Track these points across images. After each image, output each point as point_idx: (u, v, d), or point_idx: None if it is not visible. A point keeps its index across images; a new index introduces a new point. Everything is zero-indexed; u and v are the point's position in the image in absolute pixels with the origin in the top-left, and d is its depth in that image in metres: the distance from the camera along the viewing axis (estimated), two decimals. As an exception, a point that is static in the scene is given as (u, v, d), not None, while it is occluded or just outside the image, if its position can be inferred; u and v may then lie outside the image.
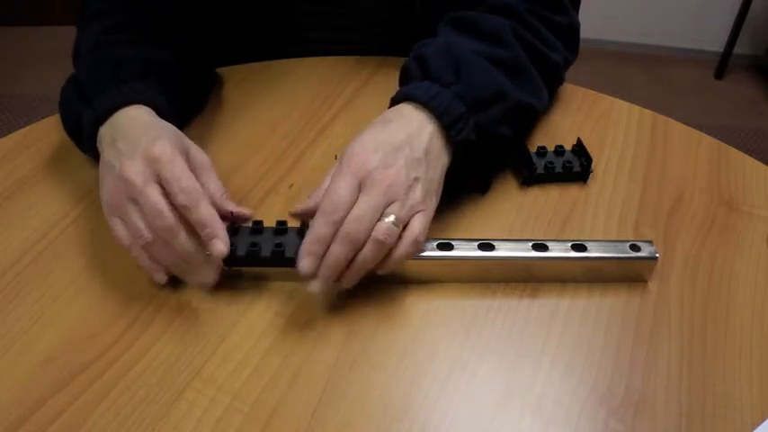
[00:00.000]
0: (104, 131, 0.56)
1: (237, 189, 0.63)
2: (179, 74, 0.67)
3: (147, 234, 0.49)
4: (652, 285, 0.56)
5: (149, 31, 0.68)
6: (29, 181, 0.63)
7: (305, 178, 0.65)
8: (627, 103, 0.78)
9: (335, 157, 0.62)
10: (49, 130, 0.69)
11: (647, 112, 0.77)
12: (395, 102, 0.58)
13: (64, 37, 2.64)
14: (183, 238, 0.49)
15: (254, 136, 0.70)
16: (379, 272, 0.51)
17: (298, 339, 0.50)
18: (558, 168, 0.65)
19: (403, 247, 0.50)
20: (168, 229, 0.48)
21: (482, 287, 0.55)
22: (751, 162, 0.70)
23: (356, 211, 0.49)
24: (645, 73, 2.48)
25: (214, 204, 0.51)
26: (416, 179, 0.52)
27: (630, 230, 0.61)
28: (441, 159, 0.55)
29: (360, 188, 0.50)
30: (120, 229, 0.51)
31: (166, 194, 0.49)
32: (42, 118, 0.71)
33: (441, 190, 0.55)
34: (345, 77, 0.78)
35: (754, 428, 0.46)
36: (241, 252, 0.52)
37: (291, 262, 0.52)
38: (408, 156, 0.52)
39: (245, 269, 0.53)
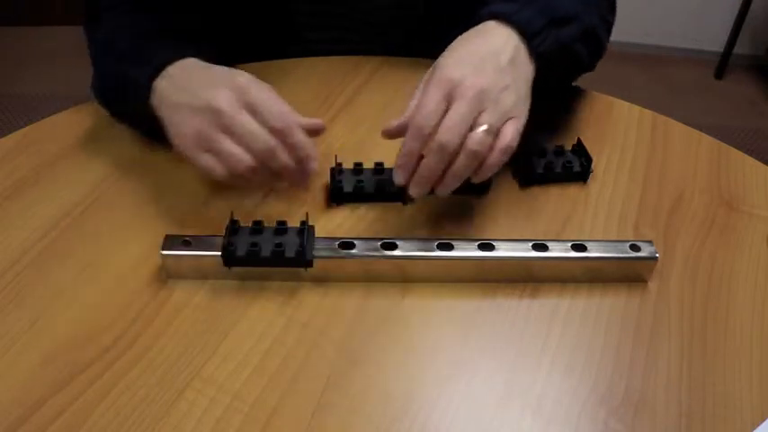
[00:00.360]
0: (164, 82, 0.56)
1: (237, 189, 0.63)
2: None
3: (246, 159, 0.50)
4: (652, 285, 0.56)
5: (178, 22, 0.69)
6: (29, 181, 0.63)
7: (305, 178, 0.64)
8: (627, 103, 0.78)
9: (335, 158, 0.62)
10: (49, 130, 0.69)
11: (647, 112, 0.77)
12: (476, 21, 0.59)
13: (64, 37, 2.66)
14: (283, 157, 0.51)
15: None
16: (474, 180, 0.52)
17: (298, 339, 0.50)
18: (558, 168, 0.65)
19: (495, 157, 0.51)
20: (270, 150, 0.50)
21: (482, 287, 0.55)
22: (751, 162, 0.70)
23: (447, 121, 0.49)
24: (645, 73, 2.48)
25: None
26: (506, 86, 0.52)
27: (630, 230, 0.61)
28: (527, 68, 0.56)
29: (449, 100, 0.50)
30: (210, 162, 0.51)
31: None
32: (42, 118, 0.71)
33: (530, 98, 0.56)
34: (345, 77, 0.78)
35: (754, 428, 0.46)
36: (241, 252, 0.52)
37: (291, 262, 0.52)
38: (496, 65, 0.53)
39: (245, 269, 0.53)
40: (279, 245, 0.52)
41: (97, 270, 0.54)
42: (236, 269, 0.53)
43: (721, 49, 2.49)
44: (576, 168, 0.65)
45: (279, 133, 0.51)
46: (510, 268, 0.55)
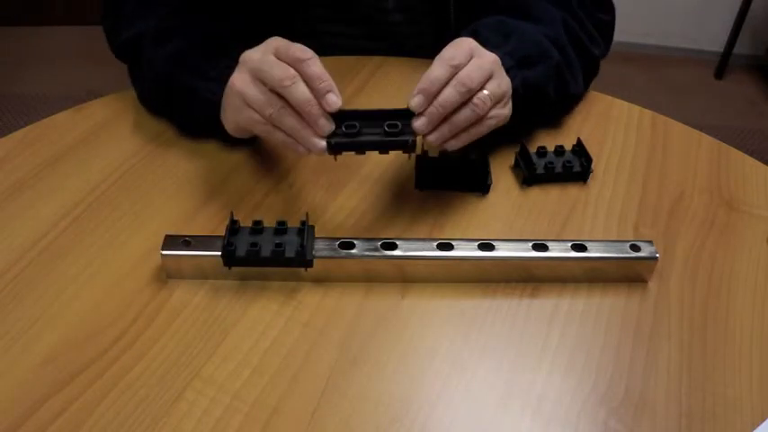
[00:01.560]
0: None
1: (237, 189, 0.63)
2: None
3: (274, 102, 0.53)
4: (652, 285, 0.56)
5: (205, 16, 0.71)
6: (29, 181, 0.63)
7: (305, 178, 0.65)
8: (627, 103, 0.78)
9: (335, 159, 0.62)
10: (49, 130, 0.69)
11: (647, 112, 0.77)
12: None
13: (64, 37, 2.65)
14: (302, 86, 0.52)
15: (255, 136, 0.69)
16: (465, 135, 0.56)
17: (298, 339, 0.50)
18: (558, 168, 0.65)
19: (491, 121, 0.56)
20: (290, 76, 0.52)
21: (482, 287, 0.55)
22: (751, 162, 0.70)
23: (473, 65, 0.54)
24: (645, 73, 2.48)
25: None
26: (504, 77, 0.58)
27: (630, 230, 0.61)
28: None
29: (470, 56, 0.55)
30: (253, 117, 0.55)
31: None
32: (42, 118, 0.71)
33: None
34: (346, 77, 0.78)
35: (754, 428, 0.46)
36: (241, 252, 0.52)
37: (291, 262, 0.52)
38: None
39: (245, 269, 0.53)
40: (279, 245, 0.52)
41: (97, 270, 0.54)
42: (236, 269, 0.53)
43: (721, 49, 2.48)
44: (576, 168, 0.65)
45: (298, 64, 0.52)
46: (510, 268, 0.55)
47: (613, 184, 0.66)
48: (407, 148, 0.53)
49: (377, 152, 0.54)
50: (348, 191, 0.63)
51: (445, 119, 0.54)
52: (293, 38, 0.61)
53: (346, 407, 0.46)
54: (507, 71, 0.59)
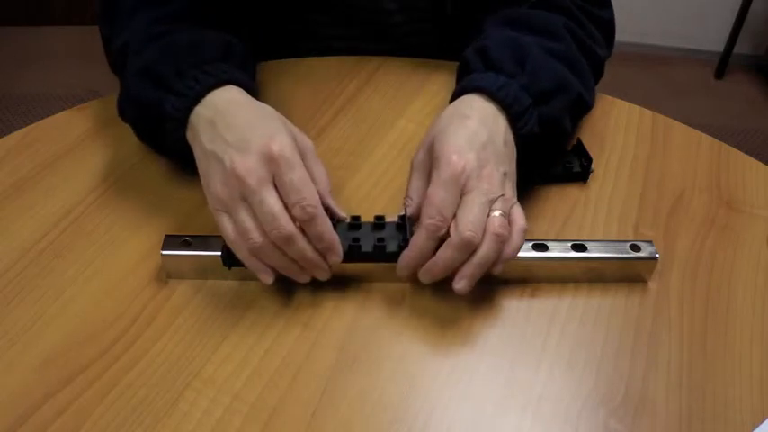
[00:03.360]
0: (198, 115, 0.53)
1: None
2: (251, 58, 0.65)
3: (257, 237, 0.47)
4: (652, 285, 0.56)
5: (204, 19, 0.65)
6: (29, 181, 0.63)
7: (305, 178, 0.64)
8: (627, 103, 0.78)
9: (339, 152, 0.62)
10: (48, 130, 0.69)
11: (647, 112, 0.77)
12: (460, 92, 0.58)
13: (64, 37, 2.65)
14: (300, 243, 0.47)
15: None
16: (494, 271, 0.50)
17: (298, 339, 0.50)
18: (558, 168, 0.65)
19: (516, 239, 0.50)
20: (285, 237, 0.47)
21: (482, 287, 0.55)
22: (751, 162, 0.70)
23: (469, 215, 0.48)
24: (645, 73, 2.48)
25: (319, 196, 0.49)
26: (505, 174, 0.52)
27: (630, 230, 0.61)
28: (514, 150, 0.55)
29: (461, 192, 0.49)
30: (227, 226, 0.49)
31: (281, 197, 0.47)
32: (42, 118, 0.71)
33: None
34: (346, 77, 0.78)
35: (754, 428, 0.46)
36: (241, 252, 0.52)
37: (291, 262, 0.52)
38: (494, 151, 0.52)
39: (245, 269, 0.53)
40: (279, 245, 0.52)
41: (97, 270, 0.54)
42: (236, 269, 0.53)
43: (721, 49, 2.48)
44: (576, 168, 0.65)
45: (301, 221, 0.47)
46: (510, 268, 0.54)
47: (613, 184, 0.66)
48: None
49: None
50: (348, 191, 0.63)
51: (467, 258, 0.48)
52: (292, 40, 0.60)
53: (346, 407, 0.46)
54: (523, 113, 0.55)
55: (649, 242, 0.56)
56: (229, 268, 0.53)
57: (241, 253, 0.49)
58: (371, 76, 0.79)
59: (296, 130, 0.53)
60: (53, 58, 2.39)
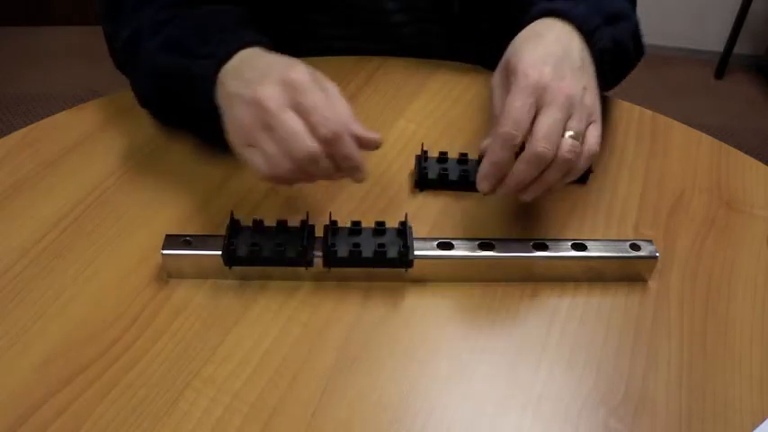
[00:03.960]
0: (226, 72, 0.53)
1: (237, 189, 0.63)
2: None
3: (284, 163, 0.47)
4: (652, 285, 0.56)
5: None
6: (29, 181, 0.63)
7: (305, 178, 0.64)
8: (627, 103, 0.78)
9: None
10: (49, 130, 0.69)
11: (647, 112, 0.77)
12: (530, 19, 0.58)
13: (64, 37, 2.65)
14: (324, 163, 0.47)
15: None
16: (556, 186, 0.51)
17: (298, 339, 0.50)
18: None
19: (582, 163, 0.50)
20: (310, 157, 0.46)
21: (482, 287, 0.55)
22: (751, 162, 0.70)
23: (544, 129, 0.48)
24: (645, 73, 2.48)
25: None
26: (585, 87, 0.52)
27: (630, 230, 0.61)
28: (592, 67, 0.56)
29: (537, 106, 0.49)
30: (256, 159, 0.48)
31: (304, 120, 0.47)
32: (42, 118, 0.71)
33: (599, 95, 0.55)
34: (345, 77, 0.78)
35: (755, 428, 0.46)
36: (241, 252, 0.52)
37: (292, 261, 0.52)
38: (572, 66, 0.52)
39: (245, 269, 0.53)
40: (279, 244, 0.52)
41: (97, 270, 0.54)
42: (236, 269, 0.53)
43: (721, 49, 2.48)
44: None
45: (325, 141, 0.47)
46: (510, 268, 0.55)
47: (613, 184, 0.66)
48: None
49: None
50: (348, 191, 0.63)
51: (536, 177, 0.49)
52: (292, 40, 0.61)
53: (346, 407, 0.46)
54: (595, 30, 0.56)
55: (649, 241, 0.56)
56: (230, 268, 0.53)
57: (272, 180, 0.49)
58: (371, 76, 0.79)
59: (320, 74, 0.51)
60: (53, 58, 2.39)
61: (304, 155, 0.47)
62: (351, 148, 0.48)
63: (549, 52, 0.52)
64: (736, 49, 2.45)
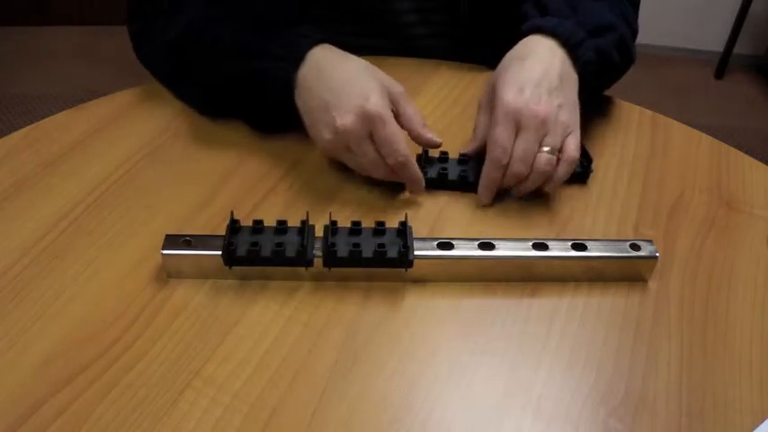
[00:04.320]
0: (304, 74, 0.61)
1: (237, 189, 0.63)
2: None
3: (364, 173, 0.61)
4: (652, 285, 0.56)
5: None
6: (29, 181, 0.63)
7: (305, 178, 0.65)
8: (627, 103, 0.78)
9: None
10: (49, 130, 0.69)
11: (647, 112, 0.77)
12: (522, 34, 0.65)
13: (64, 37, 2.65)
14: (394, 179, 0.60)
15: (255, 135, 0.70)
16: (547, 189, 0.61)
17: (298, 339, 0.50)
18: None
19: (562, 169, 0.59)
20: (384, 176, 0.60)
21: (482, 287, 0.55)
22: (751, 162, 0.70)
23: (519, 152, 0.58)
24: (645, 73, 2.48)
25: (413, 131, 0.61)
26: (560, 105, 0.59)
27: (630, 230, 0.61)
28: (574, 77, 0.62)
29: (517, 128, 0.58)
30: (348, 159, 0.61)
31: (377, 148, 0.58)
32: (42, 118, 0.71)
33: (578, 105, 0.62)
34: (345, 77, 0.78)
35: (755, 428, 0.46)
36: (241, 252, 0.52)
37: (292, 261, 0.52)
38: (548, 86, 0.59)
39: (245, 269, 0.53)
40: (279, 244, 0.52)
41: (97, 270, 0.54)
42: (236, 269, 0.53)
43: (721, 49, 2.49)
44: (577, 168, 0.65)
45: (393, 168, 0.58)
46: (510, 268, 0.55)
47: (613, 184, 0.66)
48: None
49: None
50: (348, 191, 0.63)
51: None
52: None
53: (346, 407, 0.46)
54: (580, 44, 0.62)
55: (649, 241, 0.56)
56: (230, 268, 0.53)
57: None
58: (371, 75, 0.79)
59: (387, 79, 0.61)
60: (53, 58, 2.39)
61: (378, 175, 0.60)
62: (414, 170, 0.59)
63: (528, 77, 0.59)
64: (736, 49, 2.45)
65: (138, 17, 0.72)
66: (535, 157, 0.58)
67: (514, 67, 0.61)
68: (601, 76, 0.66)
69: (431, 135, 0.61)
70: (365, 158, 0.58)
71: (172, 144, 0.68)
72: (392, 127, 0.57)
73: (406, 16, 0.81)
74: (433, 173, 0.63)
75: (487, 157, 0.59)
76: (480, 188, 0.61)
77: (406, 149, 0.58)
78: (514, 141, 0.58)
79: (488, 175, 0.60)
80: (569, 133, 0.59)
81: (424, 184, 0.61)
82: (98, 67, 2.35)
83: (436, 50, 0.83)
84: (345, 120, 0.56)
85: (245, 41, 0.64)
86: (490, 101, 0.62)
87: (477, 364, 0.49)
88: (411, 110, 0.61)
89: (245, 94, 0.65)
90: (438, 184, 0.63)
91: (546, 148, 0.58)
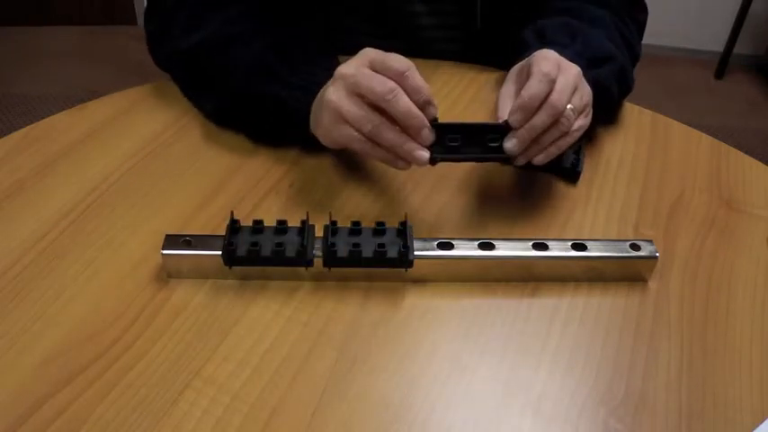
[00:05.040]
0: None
1: (238, 189, 0.63)
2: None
3: (373, 118, 0.53)
4: (652, 285, 0.56)
5: (269, 21, 0.70)
6: (29, 181, 0.63)
7: (305, 178, 0.65)
8: (627, 103, 0.78)
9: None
10: (49, 130, 0.69)
11: (647, 112, 0.77)
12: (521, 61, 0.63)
13: (64, 37, 2.65)
14: (404, 98, 0.52)
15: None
16: (541, 157, 0.56)
17: (298, 339, 0.50)
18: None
19: (570, 137, 0.57)
20: (392, 88, 0.52)
21: (482, 287, 0.55)
22: (751, 162, 0.70)
23: (562, 83, 0.55)
24: (645, 73, 2.48)
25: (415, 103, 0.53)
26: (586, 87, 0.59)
27: (630, 230, 0.61)
28: None
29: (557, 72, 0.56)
30: (351, 134, 0.54)
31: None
32: (42, 118, 0.71)
33: None
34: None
35: (755, 428, 0.46)
36: (241, 252, 0.52)
37: (292, 261, 0.52)
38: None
39: (245, 269, 0.53)
40: (279, 244, 0.52)
41: (97, 270, 0.54)
42: (236, 269, 0.53)
43: (721, 49, 2.49)
44: (566, 164, 0.65)
45: (399, 78, 0.52)
46: (510, 267, 0.55)
47: (613, 184, 0.66)
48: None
49: None
50: (348, 190, 0.63)
51: (534, 138, 0.55)
52: (326, 37, 0.63)
53: (346, 407, 0.46)
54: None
55: (649, 241, 0.56)
56: (230, 268, 0.53)
57: (367, 149, 0.55)
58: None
59: (390, 54, 0.56)
60: (53, 58, 2.39)
61: (386, 89, 0.52)
62: (420, 81, 0.53)
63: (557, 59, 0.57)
64: (736, 49, 2.45)
65: (156, 17, 0.71)
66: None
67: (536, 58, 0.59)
68: (597, 108, 0.63)
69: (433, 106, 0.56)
70: (367, 78, 0.52)
71: (172, 144, 0.68)
72: (370, 74, 0.53)
73: (422, 19, 0.81)
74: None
75: (534, 72, 0.55)
76: (516, 105, 0.54)
77: (397, 88, 0.52)
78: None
79: (532, 87, 0.54)
80: (584, 113, 0.58)
81: (435, 106, 0.54)
82: (98, 67, 2.35)
83: (449, 54, 0.83)
84: (347, 65, 0.54)
85: (267, 64, 0.63)
86: (510, 93, 0.60)
87: (477, 364, 0.49)
88: (415, 83, 0.54)
89: (259, 115, 0.65)
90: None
91: (570, 105, 0.56)
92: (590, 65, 0.62)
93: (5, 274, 0.54)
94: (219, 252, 0.52)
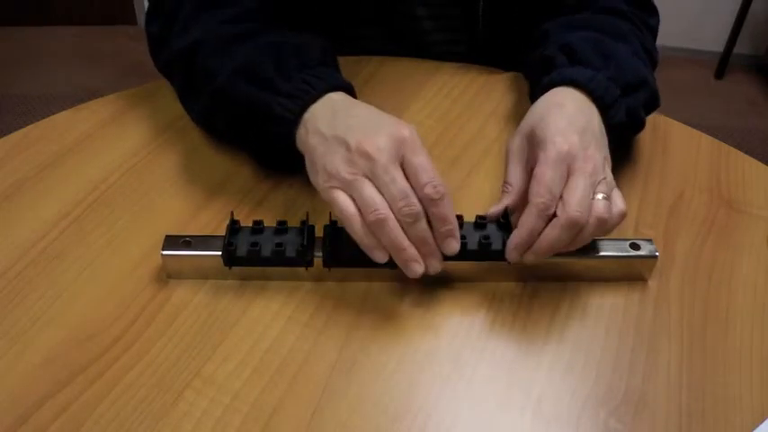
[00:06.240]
0: (313, 112, 0.54)
1: (237, 189, 0.63)
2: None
3: (383, 209, 0.47)
4: (652, 284, 0.56)
5: (277, 19, 0.66)
6: (29, 181, 0.63)
7: (305, 178, 0.64)
8: (627, 103, 0.78)
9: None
10: (49, 130, 0.69)
11: (647, 112, 0.76)
12: (548, 86, 0.59)
13: (64, 37, 2.65)
14: (423, 224, 0.48)
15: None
16: (577, 244, 0.51)
17: (298, 339, 0.50)
18: None
19: (614, 221, 0.51)
20: (414, 214, 0.47)
21: (482, 287, 0.55)
22: (751, 162, 0.70)
23: (577, 195, 0.49)
24: (645, 73, 2.48)
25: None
26: (605, 158, 0.54)
27: (630, 230, 0.61)
28: (605, 136, 0.56)
29: (567, 174, 0.50)
30: (343, 201, 0.48)
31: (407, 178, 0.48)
32: (42, 118, 0.71)
33: None
34: (346, 77, 0.78)
35: (755, 428, 0.46)
36: (241, 252, 0.52)
37: (292, 261, 0.52)
38: (593, 136, 0.54)
39: (245, 269, 0.53)
40: (279, 244, 0.52)
41: (97, 270, 0.54)
42: (236, 269, 0.53)
43: (721, 49, 2.49)
44: None
45: (428, 201, 0.48)
46: (510, 268, 0.54)
47: (613, 184, 0.66)
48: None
49: None
50: (348, 191, 0.63)
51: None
52: (331, 39, 0.61)
53: (346, 407, 0.46)
54: (613, 104, 0.58)
55: (649, 240, 0.56)
56: (230, 268, 0.53)
57: (357, 228, 0.48)
58: (372, 76, 0.79)
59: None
60: (53, 58, 2.39)
61: (410, 212, 0.47)
62: (450, 209, 0.48)
63: (573, 122, 0.53)
64: (736, 49, 2.45)
65: (157, 19, 0.68)
66: (592, 205, 0.50)
67: (556, 112, 0.55)
68: (628, 137, 0.62)
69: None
70: (395, 185, 0.47)
71: (172, 144, 0.68)
72: (428, 156, 0.49)
73: (425, 23, 0.81)
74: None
75: (531, 205, 0.49)
76: (513, 241, 0.50)
77: (445, 186, 0.48)
78: (564, 188, 0.50)
79: (530, 223, 0.49)
80: (613, 188, 0.53)
81: (458, 233, 0.49)
82: (98, 67, 2.35)
83: (452, 56, 0.83)
84: (375, 140, 0.48)
85: (256, 69, 0.58)
86: (523, 150, 0.56)
87: (477, 364, 0.49)
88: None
89: (244, 120, 0.59)
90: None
91: (600, 195, 0.50)
92: (624, 92, 0.59)
93: (5, 274, 0.54)
94: (219, 252, 0.52)
